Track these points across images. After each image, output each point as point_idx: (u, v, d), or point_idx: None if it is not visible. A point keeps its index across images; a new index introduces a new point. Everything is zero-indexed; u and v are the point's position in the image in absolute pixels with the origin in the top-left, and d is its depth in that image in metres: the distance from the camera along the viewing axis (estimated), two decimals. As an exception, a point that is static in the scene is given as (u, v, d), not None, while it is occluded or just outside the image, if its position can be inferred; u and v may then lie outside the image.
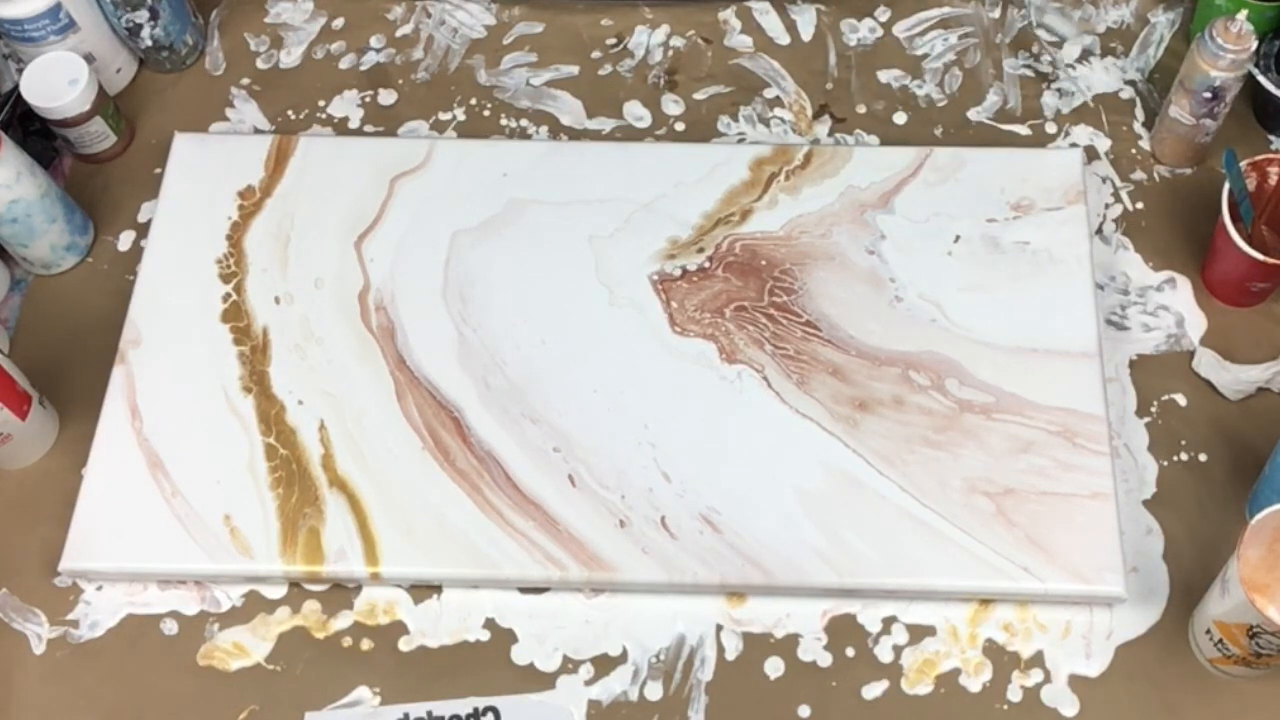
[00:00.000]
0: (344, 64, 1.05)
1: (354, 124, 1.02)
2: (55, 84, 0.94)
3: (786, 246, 0.91)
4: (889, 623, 0.81)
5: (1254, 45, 0.86)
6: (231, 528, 0.82)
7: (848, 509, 0.81)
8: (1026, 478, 0.82)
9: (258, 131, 1.01)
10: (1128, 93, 1.01)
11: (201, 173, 0.96)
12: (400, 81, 1.04)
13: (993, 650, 0.80)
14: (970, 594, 0.81)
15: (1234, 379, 0.87)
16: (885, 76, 1.02)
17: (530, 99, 1.02)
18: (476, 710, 0.79)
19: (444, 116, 1.02)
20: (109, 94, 0.98)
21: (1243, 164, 0.86)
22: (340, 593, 0.83)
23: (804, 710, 0.79)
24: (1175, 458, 0.86)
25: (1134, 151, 0.98)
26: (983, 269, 0.90)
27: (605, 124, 1.01)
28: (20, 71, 0.96)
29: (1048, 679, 0.79)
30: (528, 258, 0.91)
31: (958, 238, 0.91)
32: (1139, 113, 0.99)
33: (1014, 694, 0.79)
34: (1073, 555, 0.79)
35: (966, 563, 0.80)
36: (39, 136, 0.98)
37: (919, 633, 0.81)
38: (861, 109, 1.01)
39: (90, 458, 0.85)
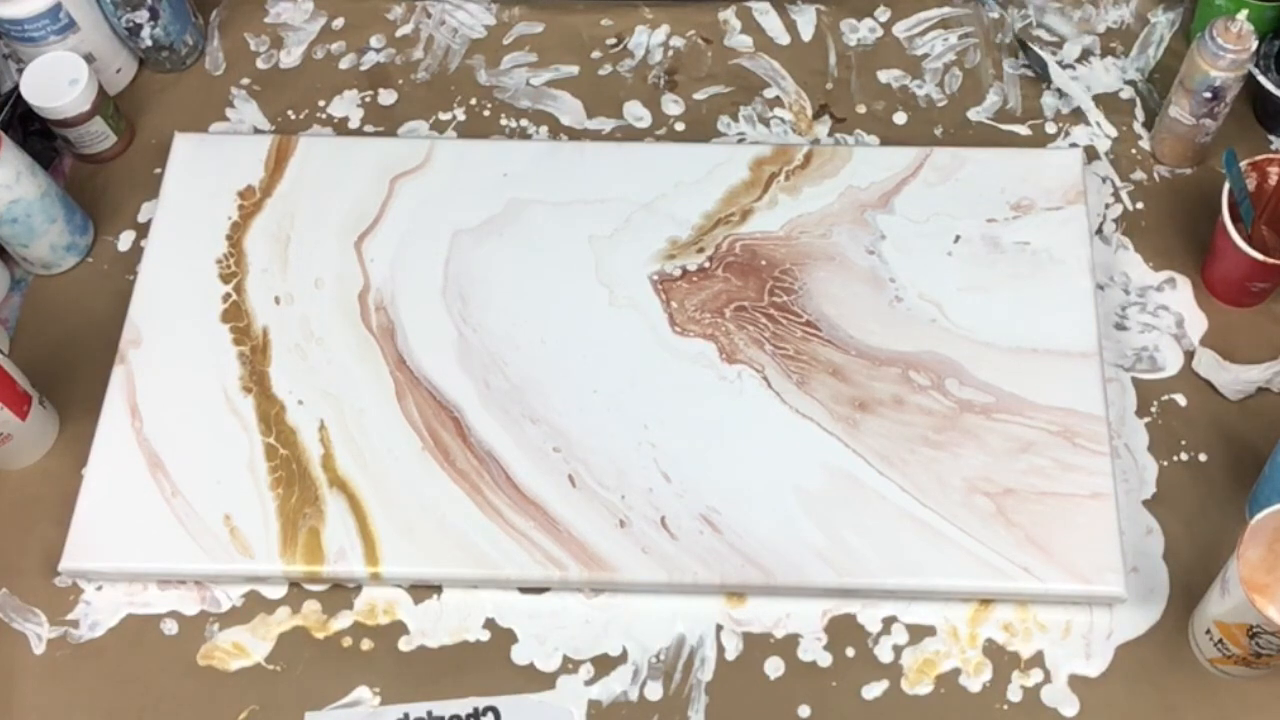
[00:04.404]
0: (344, 64, 1.05)
1: (354, 124, 1.02)
2: (55, 84, 0.94)
3: (786, 246, 0.91)
4: (889, 623, 0.81)
5: (1254, 45, 0.86)
6: (231, 528, 0.82)
7: (848, 509, 0.81)
8: (1026, 478, 0.82)
9: (258, 131, 1.01)
10: (1128, 93, 1.01)
11: (201, 173, 0.96)
12: (400, 81, 1.04)
13: (993, 650, 0.80)
14: (970, 594, 0.81)
15: (1234, 379, 0.87)
16: (885, 76, 1.02)
17: (530, 99, 1.02)
18: (476, 710, 0.79)
19: (444, 116, 1.02)
20: (109, 94, 0.98)
21: (1243, 164, 0.86)
22: (340, 593, 0.83)
23: (804, 710, 0.79)
24: (1175, 458, 0.86)
25: (1134, 151, 0.98)
26: (983, 269, 0.90)
27: (605, 124, 1.01)
28: (20, 71, 0.96)
29: (1048, 679, 0.79)
30: (528, 258, 0.91)
31: (958, 238, 0.91)
32: (1139, 113, 0.99)
33: (1014, 694, 0.79)
34: (1073, 555, 0.79)
35: (966, 563, 0.80)
36: (39, 136, 0.98)
37: (919, 633, 0.81)
38: (861, 109, 1.01)
39: (90, 458, 0.85)
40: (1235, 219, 0.86)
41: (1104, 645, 0.80)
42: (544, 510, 0.82)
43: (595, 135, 1.00)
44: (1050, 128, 0.99)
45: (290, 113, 1.02)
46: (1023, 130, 0.99)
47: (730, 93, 1.02)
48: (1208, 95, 0.89)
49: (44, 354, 0.91)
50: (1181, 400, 0.88)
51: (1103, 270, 0.92)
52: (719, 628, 0.81)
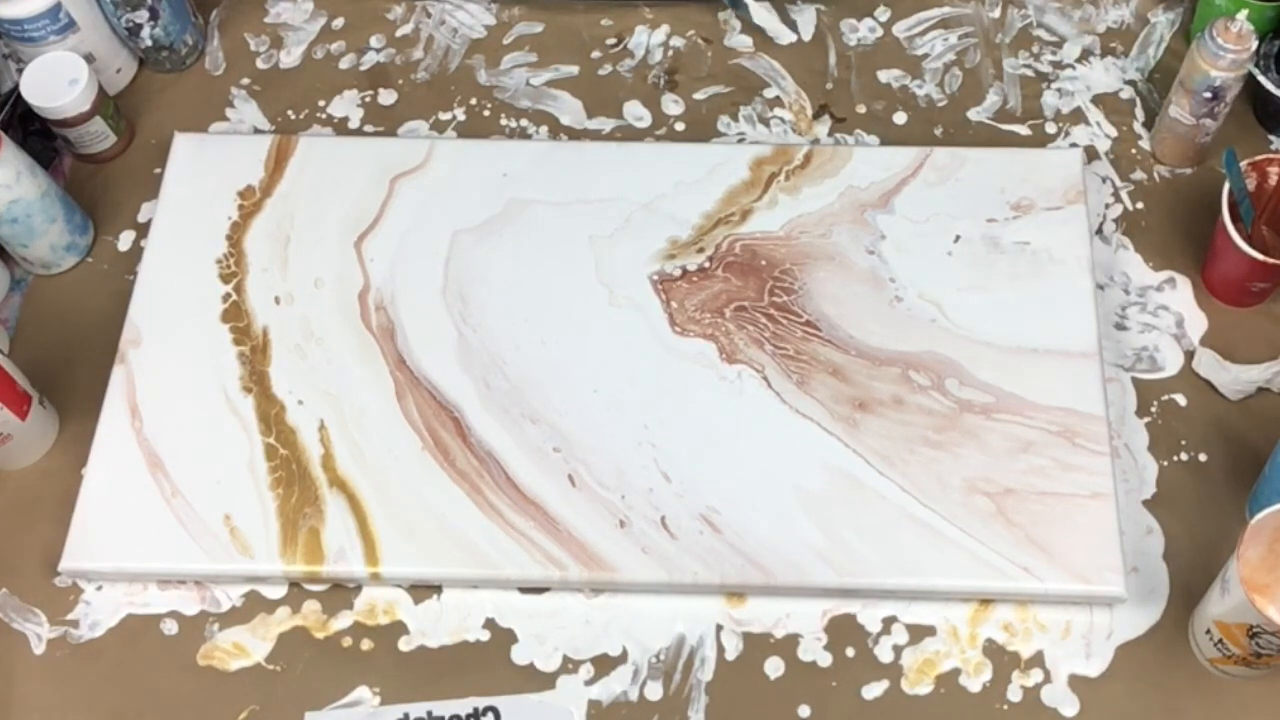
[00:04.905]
0: (344, 64, 1.05)
1: (354, 124, 1.02)
2: (55, 84, 0.94)
3: (786, 246, 0.91)
4: (889, 623, 0.81)
5: (1254, 45, 0.86)
6: (231, 528, 0.82)
7: (848, 509, 0.81)
8: (1026, 478, 0.82)
9: (258, 131, 1.01)
10: (1128, 93, 1.01)
11: (201, 173, 0.96)
12: (400, 81, 1.04)
13: (993, 650, 0.80)
14: (970, 594, 0.81)
15: (1234, 379, 0.87)
16: (885, 76, 1.02)
17: (530, 99, 1.02)
18: (476, 710, 0.79)
19: (444, 116, 1.02)
20: (109, 94, 0.98)
21: (1243, 164, 0.86)
22: (340, 593, 0.83)
23: (804, 710, 0.79)
24: (1175, 458, 0.86)
25: (1134, 151, 0.98)
26: (983, 269, 0.90)
27: (605, 124, 1.01)
28: (20, 71, 0.96)
29: (1048, 679, 0.79)
30: (528, 258, 0.91)
31: (958, 238, 0.91)
32: (1139, 113, 0.99)
33: (1014, 694, 0.79)
34: (1073, 555, 0.79)
35: (966, 563, 0.80)
36: (39, 136, 0.98)
37: (919, 633, 0.81)
38: (861, 109, 1.01)
39: (90, 458, 0.85)
40: (1235, 219, 0.86)
41: (1104, 645, 0.80)
42: (544, 510, 0.82)
43: (595, 135, 1.00)
44: (1050, 128, 0.99)
45: (290, 113, 1.02)
46: (1023, 130, 0.99)
47: (730, 93, 1.02)
48: (1208, 95, 0.89)
49: (44, 354, 0.91)
50: (1181, 400, 0.88)
51: (1103, 270, 0.92)
52: (719, 628, 0.81)
